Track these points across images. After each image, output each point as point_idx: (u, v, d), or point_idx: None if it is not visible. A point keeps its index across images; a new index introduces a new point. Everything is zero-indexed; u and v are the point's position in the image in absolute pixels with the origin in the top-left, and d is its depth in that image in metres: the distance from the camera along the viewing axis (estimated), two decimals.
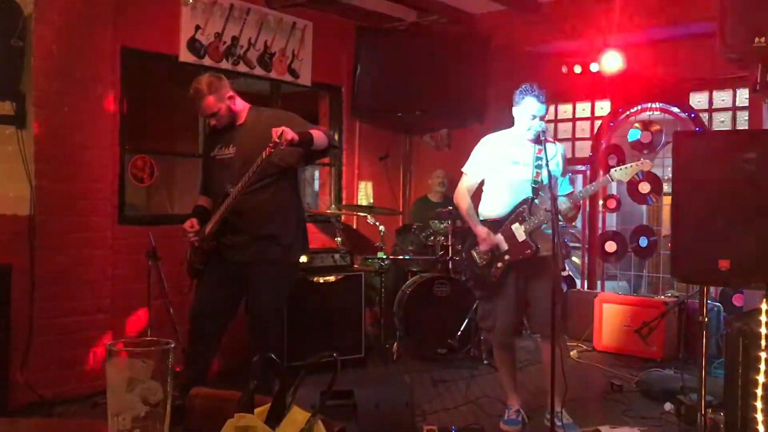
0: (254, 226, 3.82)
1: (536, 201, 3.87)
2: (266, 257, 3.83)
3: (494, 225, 3.93)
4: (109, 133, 4.68)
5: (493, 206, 4.00)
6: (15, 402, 4.04)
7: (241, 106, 3.93)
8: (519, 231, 3.86)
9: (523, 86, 3.93)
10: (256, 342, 3.92)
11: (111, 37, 4.66)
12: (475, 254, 3.98)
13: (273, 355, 1.18)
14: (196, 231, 3.89)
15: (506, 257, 3.87)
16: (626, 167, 3.80)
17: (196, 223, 3.91)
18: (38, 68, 4.22)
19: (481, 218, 4.02)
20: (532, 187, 3.88)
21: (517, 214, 3.89)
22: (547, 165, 3.62)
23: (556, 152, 3.94)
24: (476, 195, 4.17)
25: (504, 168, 3.96)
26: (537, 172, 3.84)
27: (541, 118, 3.89)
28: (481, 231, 3.93)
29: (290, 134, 3.45)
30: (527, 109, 3.88)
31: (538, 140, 3.83)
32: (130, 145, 5.03)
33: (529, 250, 3.82)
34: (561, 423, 3.80)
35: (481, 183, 4.12)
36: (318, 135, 3.68)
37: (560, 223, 3.78)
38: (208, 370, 3.91)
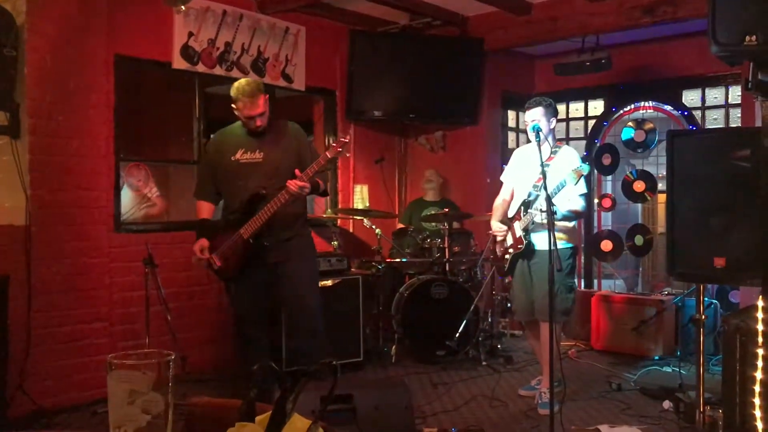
0: (280, 230, 3.99)
1: (531, 200, 4.35)
2: (295, 253, 4.05)
3: (509, 223, 4.56)
4: (103, 142, 4.67)
5: (512, 207, 4.62)
6: (14, 413, 4.02)
7: None
8: (517, 228, 4.43)
9: None
10: (304, 342, 4.02)
11: (104, 45, 4.66)
12: (496, 247, 4.67)
13: (307, 358, 1.17)
14: (206, 259, 4.01)
15: (510, 250, 4.50)
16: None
17: (207, 247, 4.01)
18: (32, 78, 4.22)
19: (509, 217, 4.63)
20: (530, 190, 4.35)
21: (517, 213, 4.46)
22: (542, 165, 3.82)
23: (554, 154, 4.38)
24: None
25: (519, 173, 4.59)
26: (539, 177, 4.14)
27: (539, 121, 4.33)
28: (492, 224, 4.64)
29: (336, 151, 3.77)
30: (526, 119, 4.46)
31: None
32: (125, 153, 5.02)
33: (520, 245, 4.41)
34: (541, 400, 4.35)
35: None
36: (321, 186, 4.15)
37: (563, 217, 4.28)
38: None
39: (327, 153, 3.82)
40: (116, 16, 4.76)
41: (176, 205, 6.67)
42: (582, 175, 4.06)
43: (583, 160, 4.24)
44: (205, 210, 4.19)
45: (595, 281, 7.20)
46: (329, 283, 5.18)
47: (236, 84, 3.99)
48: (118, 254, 4.76)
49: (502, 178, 4.82)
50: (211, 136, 4.33)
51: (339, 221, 6.41)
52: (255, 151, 4.03)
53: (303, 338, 4.08)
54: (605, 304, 6.03)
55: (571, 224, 4.51)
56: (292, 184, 3.81)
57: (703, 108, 6.51)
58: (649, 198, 6.45)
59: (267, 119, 4.02)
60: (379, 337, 5.70)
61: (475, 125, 6.84)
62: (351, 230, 6.64)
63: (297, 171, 3.84)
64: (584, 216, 5.71)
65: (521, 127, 7.39)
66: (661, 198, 6.55)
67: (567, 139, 7.29)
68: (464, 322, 5.30)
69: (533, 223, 4.30)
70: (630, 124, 6.61)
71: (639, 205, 7.23)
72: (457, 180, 6.98)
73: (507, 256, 4.54)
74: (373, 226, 5.76)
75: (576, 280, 7.25)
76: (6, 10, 4.08)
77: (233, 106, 3.99)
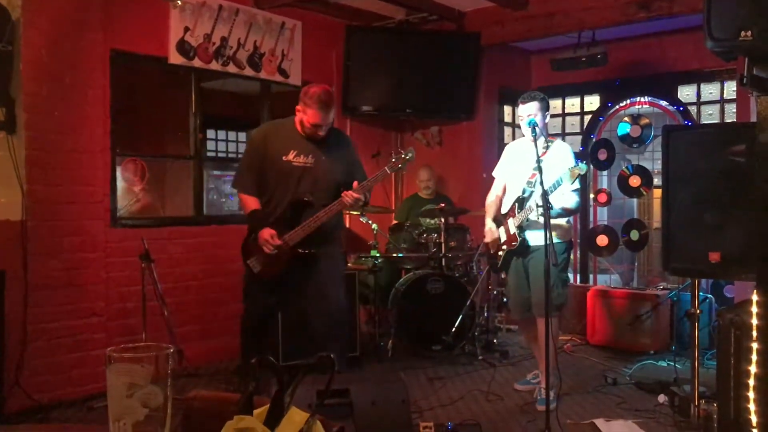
0: (323, 238, 3.93)
1: (526, 197, 4.27)
2: (332, 259, 4.05)
3: (503, 220, 4.48)
4: (99, 137, 4.67)
5: (504, 203, 4.56)
6: (10, 407, 4.03)
7: None
8: (511, 225, 4.37)
9: None
10: (327, 341, 3.92)
11: (100, 40, 4.65)
12: (489, 244, 4.62)
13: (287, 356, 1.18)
14: (279, 245, 3.87)
15: (504, 247, 4.44)
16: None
17: (276, 234, 3.86)
18: (27, 73, 4.21)
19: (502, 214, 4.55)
20: (524, 187, 4.30)
21: (511, 209, 4.39)
22: (538, 161, 3.83)
23: (547, 149, 4.31)
24: None
25: (512, 169, 4.52)
26: (533, 173, 4.14)
27: (535, 116, 4.25)
28: (487, 223, 4.59)
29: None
30: (520, 113, 4.39)
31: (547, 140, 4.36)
32: (122, 148, 5.02)
33: (514, 242, 4.34)
34: (540, 396, 4.29)
35: None
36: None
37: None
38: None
39: (386, 168, 3.85)
40: (112, 11, 4.75)
41: (172, 200, 6.67)
42: (579, 175, 3.97)
43: (579, 155, 4.22)
44: (253, 202, 3.99)
45: (591, 276, 7.23)
46: None
47: (312, 91, 3.81)
48: (114, 249, 4.76)
49: (494, 173, 4.76)
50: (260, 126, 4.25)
51: None
52: (308, 156, 3.92)
53: (324, 341, 3.94)
54: (601, 298, 6.04)
55: (564, 221, 4.43)
56: (349, 197, 3.77)
57: (699, 103, 6.53)
58: (644, 193, 6.46)
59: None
60: (375, 332, 5.70)
61: (471, 120, 6.85)
62: (347, 225, 6.64)
63: (355, 183, 3.81)
64: (577, 213, 5.66)
65: (518, 122, 7.40)
66: (657, 193, 6.58)
67: (563, 135, 7.30)
68: (460, 317, 5.32)
69: (528, 220, 4.24)
70: (626, 119, 6.62)
71: (634, 200, 7.24)
72: (453, 175, 6.99)
73: (500, 253, 4.50)
74: (370, 221, 5.77)
75: (571, 275, 7.29)
76: (1, 5, 4.07)
77: (298, 108, 3.86)
